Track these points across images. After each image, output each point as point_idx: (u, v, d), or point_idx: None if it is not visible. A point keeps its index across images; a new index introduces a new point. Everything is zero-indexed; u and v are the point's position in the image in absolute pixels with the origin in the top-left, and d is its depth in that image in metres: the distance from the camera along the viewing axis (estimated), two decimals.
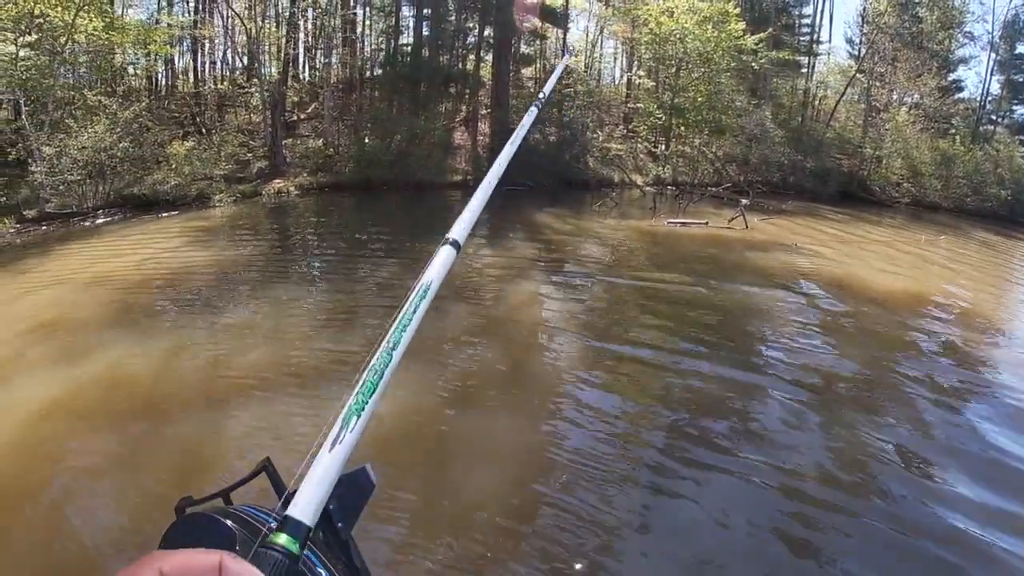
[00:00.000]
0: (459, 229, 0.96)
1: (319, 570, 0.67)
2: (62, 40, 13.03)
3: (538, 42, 23.05)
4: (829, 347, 6.40)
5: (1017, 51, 32.34)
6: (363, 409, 0.68)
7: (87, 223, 11.99)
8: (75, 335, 5.65)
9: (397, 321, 0.78)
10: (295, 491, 0.73)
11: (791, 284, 8.94)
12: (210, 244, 10.12)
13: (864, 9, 28.39)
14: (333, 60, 21.65)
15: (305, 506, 0.62)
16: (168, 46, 19.58)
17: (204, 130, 18.79)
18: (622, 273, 9.43)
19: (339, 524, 0.77)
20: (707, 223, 14.04)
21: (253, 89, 19.81)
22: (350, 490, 0.81)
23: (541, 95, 1.62)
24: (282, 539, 0.58)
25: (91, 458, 3.77)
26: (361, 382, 0.70)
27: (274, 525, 0.64)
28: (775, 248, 11.69)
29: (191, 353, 5.31)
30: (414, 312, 0.80)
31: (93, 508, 3.32)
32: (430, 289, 0.84)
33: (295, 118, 20.94)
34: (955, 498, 3.75)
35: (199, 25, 21.66)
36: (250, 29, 19.40)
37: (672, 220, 14.09)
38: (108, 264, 8.52)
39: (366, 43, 22.94)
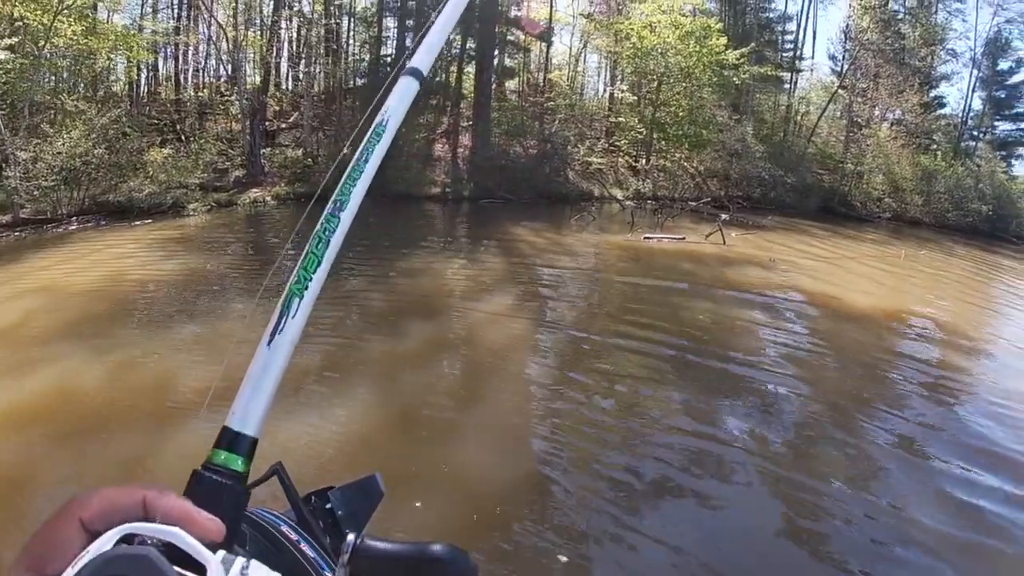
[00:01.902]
0: (422, 56, 0.80)
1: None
2: (41, 44, 12.92)
3: (521, 55, 23.11)
4: (803, 366, 6.32)
5: (999, 67, 32.79)
6: (306, 288, 0.57)
7: (61, 229, 11.83)
8: (31, 345, 5.51)
9: (346, 175, 0.62)
10: (309, 495, 0.70)
11: (766, 301, 8.88)
12: (179, 254, 9.99)
13: (847, 26, 28.71)
14: (315, 70, 21.62)
15: (245, 414, 0.52)
16: (148, 52, 19.48)
17: (183, 137, 18.68)
18: (593, 290, 9.38)
19: (346, 532, 0.72)
20: (684, 238, 14.03)
21: (233, 97, 19.72)
22: (358, 498, 0.79)
23: None
24: (221, 457, 0.48)
25: (38, 473, 3.63)
26: (304, 255, 0.58)
27: (293, 536, 0.61)
28: (752, 264, 11.66)
29: (147, 365, 5.19)
30: (366, 161, 0.64)
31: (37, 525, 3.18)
32: (387, 127, 0.67)
33: (276, 127, 20.86)
34: (929, 509, 3.73)
35: (181, 32, 21.59)
36: (233, 37, 19.34)
37: (649, 235, 14.06)
38: (75, 272, 8.37)
39: (348, 53, 22.93)
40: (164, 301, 7.23)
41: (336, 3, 21.20)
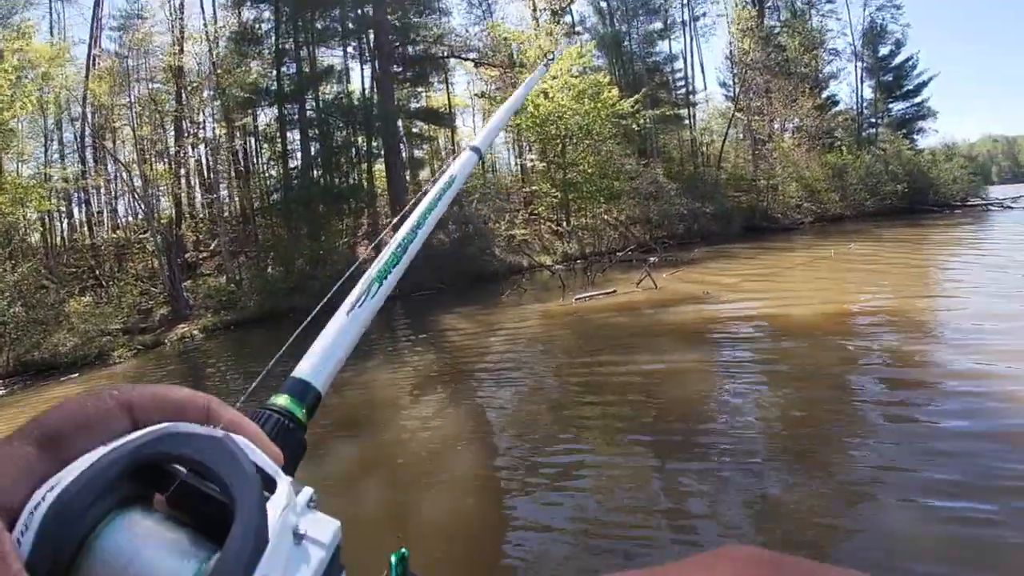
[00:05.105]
0: (483, 136, 1.07)
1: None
2: None
3: (427, 144, 23.50)
4: (754, 399, 5.88)
5: (880, 54, 34.85)
6: (385, 278, 0.67)
7: None
8: None
9: (423, 205, 0.79)
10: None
11: (706, 336, 8.60)
12: None
13: (730, 51, 30.13)
14: (224, 194, 21.57)
15: (313, 368, 0.54)
16: (53, 201, 19.09)
17: (103, 282, 18.29)
18: (525, 367, 8.89)
19: None
20: (615, 291, 14.08)
21: (147, 235, 19.46)
22: None
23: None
24: (282, 399, 0.48)
25: None
26: (387, 254, 0.70)
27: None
28: (685, 302, 11.51)
29: None
30: (437, 200, 0.81)
31: None
32: (453, 184, 0.87)
33: (196, 258, 20.60)
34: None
35: (88, 175, 21.35)
36: (140, 174, 19.22)
37: (580, 295, 14.10)
38: None
39: (257, 172, 22.97)
40: None
41: (236, 125, 21.29)
